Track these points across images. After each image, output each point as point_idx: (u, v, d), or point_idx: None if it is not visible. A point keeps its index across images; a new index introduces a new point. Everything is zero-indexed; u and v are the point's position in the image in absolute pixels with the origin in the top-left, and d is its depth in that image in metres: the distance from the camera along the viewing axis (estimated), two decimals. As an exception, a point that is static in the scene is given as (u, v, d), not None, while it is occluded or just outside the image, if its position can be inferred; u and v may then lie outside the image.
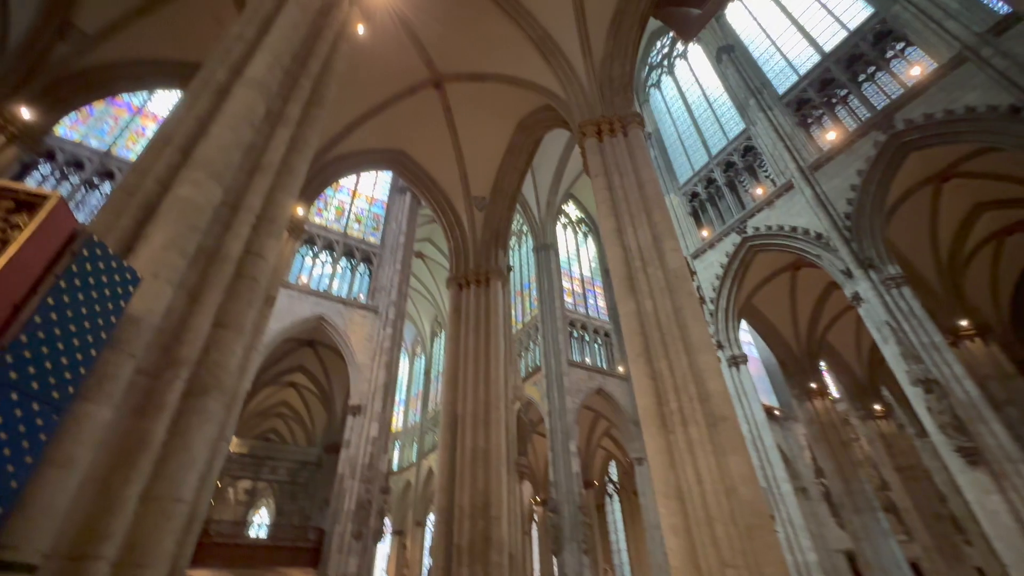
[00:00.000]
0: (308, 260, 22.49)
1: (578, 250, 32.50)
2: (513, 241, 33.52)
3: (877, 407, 20.85)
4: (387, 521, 29.85)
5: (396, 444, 35.86)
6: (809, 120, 16.92)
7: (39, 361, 2.11)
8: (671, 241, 6.91)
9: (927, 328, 12.41)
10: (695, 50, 23.64)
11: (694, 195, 20.77)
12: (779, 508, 14.22)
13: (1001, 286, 18.96)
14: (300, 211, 9.90)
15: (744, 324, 22.23)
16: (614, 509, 30.36)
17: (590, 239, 31.97)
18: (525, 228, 30.38)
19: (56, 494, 2.20)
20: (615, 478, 30.76)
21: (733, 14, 21.23)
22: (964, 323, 15.82)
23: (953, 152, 14.26)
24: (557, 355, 23.01)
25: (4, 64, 9.47)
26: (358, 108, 11.32)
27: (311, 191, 11.05)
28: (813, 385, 19.84)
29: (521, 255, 32.28)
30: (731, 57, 19.95)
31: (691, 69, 24.10)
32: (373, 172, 27.25)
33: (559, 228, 30.96)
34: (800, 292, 20.21)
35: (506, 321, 11.96)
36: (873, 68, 15.53)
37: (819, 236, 15.17)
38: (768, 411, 27.20)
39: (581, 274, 31.32)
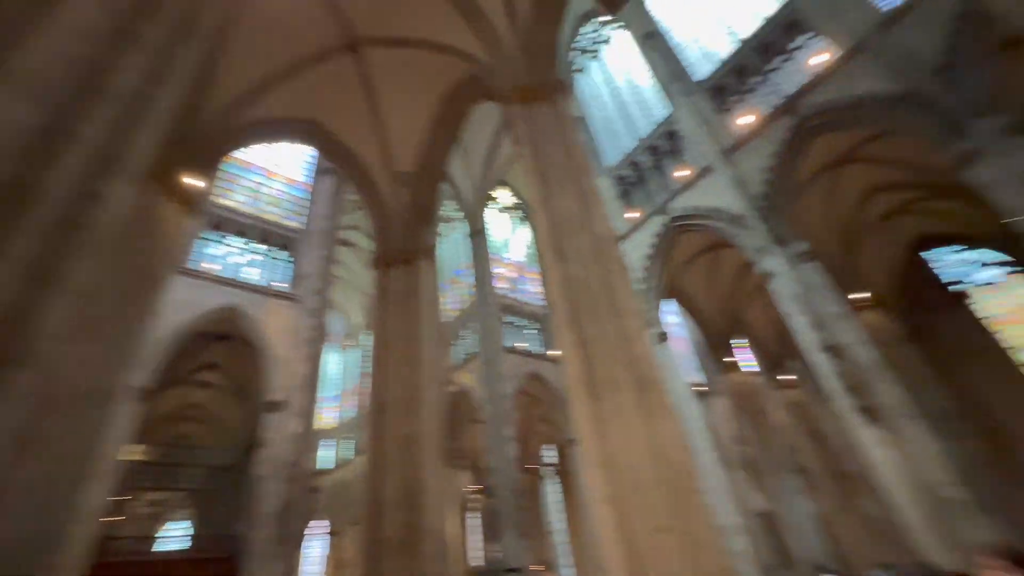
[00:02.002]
0: (219, 248, 20.53)
1: (511, 236, 32.36)
2: (447, 227, 32.71)
3: (787, 377, 22.51)
4: (321, 522, 28.40)
5: (332, 442, 34.17)
6: (727, 106, 17.62)
7: None
8: (599, 207, 6.72)
9: (830, 299, 13.35)
10: (621, 35, 23.96)
11: (621, 178, 21.14)
12: (704, 476, 14.86)
13: (890, 263, 21.00)
14: (195, 181, 8.72)
15: (675, 305, 23.11)
16: (551, 491, 30.78)
17: (525, 225, 31.87)
18: (460, 214, 29.71)
19: None
20: (552, 461, 31.16)
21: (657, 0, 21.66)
22: (862, 295, 17.27)
23: (853, 137, 15.36)
24: (492, 341, 22.74)
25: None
26: (263, 68, 10.19)
27: (210, 156, 9.82)
28: (732, 359, 21.00)
29: (455, 241, 31.60)
30: (655, 43, 20.36)
31: (617, 54, 24.44)
32: (293, 153, 25.39)
33: (494, 214, 30.61)
34: (720, 271, 21.27)
35: (434, 301, 11.43)
36: (784, 56, 16.38)
37: (736, 216, 15.87)
38: (693, 386, 28.65)
39: (516, 260, 31.22)
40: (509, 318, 26.44)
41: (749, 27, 17.76)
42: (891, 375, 12.21)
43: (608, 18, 24.83)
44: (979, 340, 19.26)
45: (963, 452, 14.30)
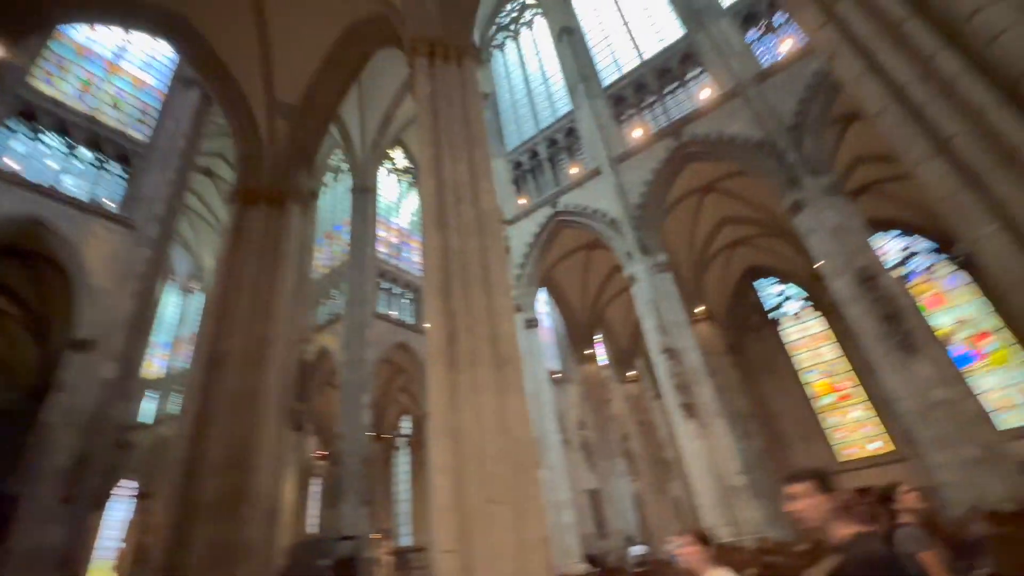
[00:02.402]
0: (28, 144, 16.55)
1: (400, 200, 31.08)
2: (329, 177, 30.28)
3: (631, 373, 25.08)
4: (131, 482, 24.90)
5: (157, 394, 29.93)
6: (623, 116, 18.76)
7: None
8: (487, 182, 6.65)
9: (676, 308, 15.09)
10: (541, 23, 24.11)
11: (518, 164, 21.44)
12: (547, 455, 15.97)
13: (725, 285, 24.37)
14: (-8, 47, 6.77)
15: (546, 295, 24.25)
16: (403, 462, 30.70)
17: (414, 192, 30.77)
18: (344, 165, 27.62)
19: None
20: (408, 432, 31.03)
21: (579, -3, 22.10)
22: (700, 309, 19.82)
23: (718, 169, 17.38)
24: (363, 304, 21.71)
25: None
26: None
27: (25, 16, 7.72)
28: (588, 352, 22.77)
29: (337, 194, 29.43)
30: (571, 39, 20.86)
31: (535, 41, 24.56)
32: (148, 53, 21.32)
33: (384, 174, 29.00)
34: (591, 270, 22.82)
35: (303, 251, 10.48)
36: (677, 83, 17.87)
37: (614, 221, 17.08)
38: (551, 373, 30.57)
39: (400, 225, 30.09)
40: (386, 284, 25.52)
41: (653, 49, 19.03)
42: (709, 379, 14.26)
43: (532, 1, 24.80)
44: (779, 359, 23.41)
45: (751, 448, 17.32)
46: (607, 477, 20.27)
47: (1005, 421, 16.07)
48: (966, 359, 17.83)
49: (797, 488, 1.98)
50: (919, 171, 3.88)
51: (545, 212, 19.25)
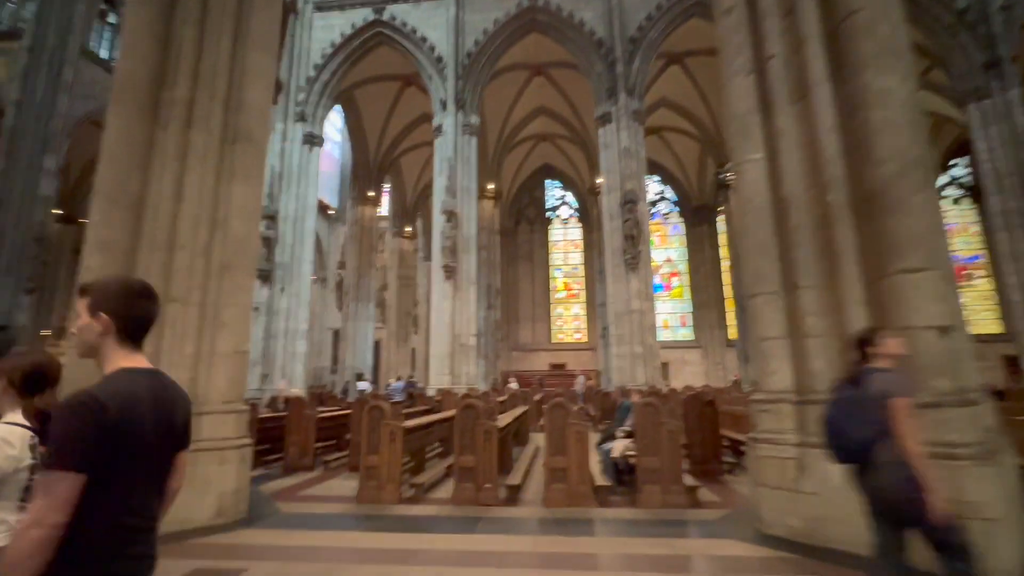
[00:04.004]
0: None
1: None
2: None
3: (408, 229, 24.81)
4: None
5: None
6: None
7: None
8: None
9: (471, 176, 14.85)
10: None
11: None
12: (294, 282, 14.78)
13: (520, 174, 25.40)
14: None
15: (342, 124, 21.05)
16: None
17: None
18: None
19: None
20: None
21: None
22: (491, 187, 20.19)
23: (554, 53, 16.77)
24: (65, 32, 15.06)
25: None
26: None
27: None
28: (371, 194, 21.27)
29: None
30: None
31: None
32: None
33: None
34: (400, 111, 20.54)
35: None
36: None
37: (440, 59, 15.23)
38: (324, 207, 27.98)
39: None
40: (116, 18, 18.08)
41: None
42: (477, 252, 14.93)
43: None
44: (538, 253, 26.31)
45: (490, 317, 19.44)
46: (353, 319, 20.32)
47: (660, 334, 21.76)
48: (659, 287, 22.96)
49: None
50: (732, 83, 3.98)
51: (364, 14, 15.86)
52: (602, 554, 3.10)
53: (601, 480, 4.41)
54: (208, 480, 3.74)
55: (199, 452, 3.74)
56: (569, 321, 25.83)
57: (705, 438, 5.31)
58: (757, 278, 3.71)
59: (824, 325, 3.34)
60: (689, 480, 4.31)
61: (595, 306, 22.90)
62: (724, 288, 23.75)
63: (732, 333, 22.22)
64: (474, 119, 15.25)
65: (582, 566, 2.89)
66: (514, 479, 4.64)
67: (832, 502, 3.08)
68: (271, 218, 14.76)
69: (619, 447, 4.80)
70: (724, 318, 23.60)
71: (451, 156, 14.65)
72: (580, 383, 16.67)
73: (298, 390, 12.03)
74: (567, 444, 4.24)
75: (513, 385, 16.59)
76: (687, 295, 24.82)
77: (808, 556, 2.95)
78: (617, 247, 13.97)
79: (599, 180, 18.63)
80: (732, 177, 3.60)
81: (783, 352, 3.52)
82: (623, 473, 4.90)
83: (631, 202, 13.92)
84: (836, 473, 3.12)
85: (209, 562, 2.96)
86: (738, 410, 7.24)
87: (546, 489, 4.27)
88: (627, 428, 5.08)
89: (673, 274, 25.13)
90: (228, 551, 3.17)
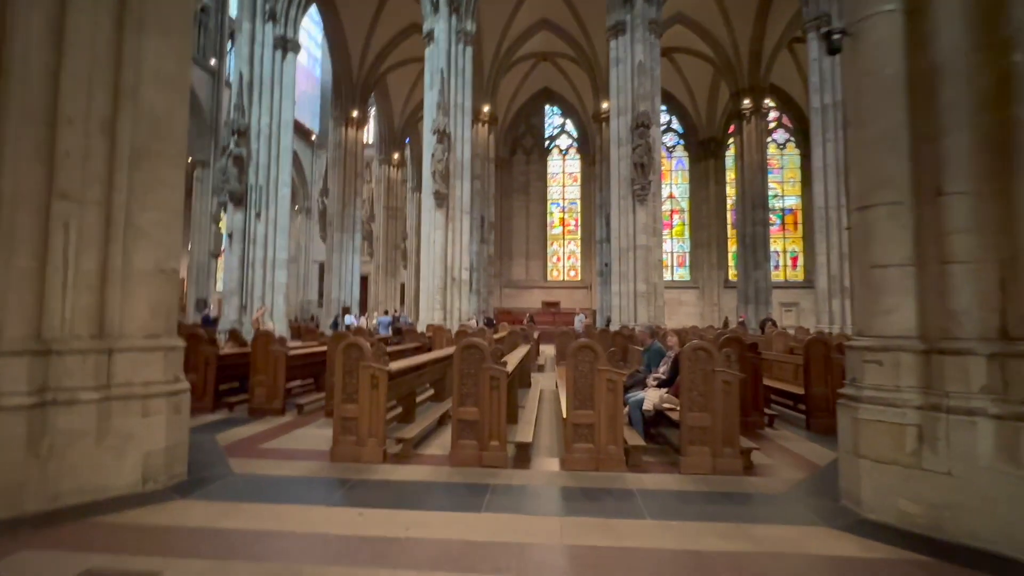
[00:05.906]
0: None
1: None
2: None
3: (396, 156, 23.06)
4: None
5: None
6: None
7: None
8: None
9: (465, 91, 13.20)
10: None
11: None
12: (270, 208, 13.46)
13: (518, 97, 23.44)
14: None
15: (320, 29, 18.67)
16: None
17: None
18: None
19: None
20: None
21: None
22: (487, 109, 18.40)
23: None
24: None
25: None
26: None
27: None
28: (355, 114, 19.37)
29: None
30: None
31: None
32: None
33: None
34: (385, 20, 18.22)
35: None
36: None
37: (434, -51, 13.06)
38: (306, 132, 25.84)
39: None
40: None
41: None
42: (471, 179, 13.59)
43: None
44: (535, 185, 24.85)
45: (483, 252, 18.35)
46: (339, 250, 19.09)
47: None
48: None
49: None
50: None
51: None
52: (661, 549, 2.28)
53: (633, 439, 3.60)
54: (127, 436, 2.82)
55: (112, 401, 2.79)
56: (561, 260, 24.89)
57: (746, 388, 4.52)
58: (876, 183, 2.70)
59: (979, 247, 2.38)
60: (745, 441, 3.52)
61: (592, 243, 21.88)
62: (727, 228, 22.80)
63: (732, 274, 21.51)
64: (470, 25, 13.37)
65: (637, 571, 2.07)
66: (524, 435, 3.82)
67: (973, 486, 2.28)
68: (242, 134, 13.17)
69: (652, 397, 3.98)
70: (725, 258, 22.81)
71: (443, 67, 12.92)
72: (579, 321, 15.99)
73: (272, 325, 11.09)
74: (595, 396, 3.38)
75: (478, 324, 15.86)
76: (686, 233, 23.86)
77: (943, 558, 2.16)
78: (625, 176, 12.74)
79: (604, 105, 17.01)
80: (840, 41, 2.56)
81: (906, 283, 2.58)
82: (650, 426, 4.14)
83: (643, 126, 12.52)
84: (986, 448, 2.34)
85: (109, 557, 2.09)
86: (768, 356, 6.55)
87: (566, 449, 3.47)
88: (660, 375, 4.25)
89: (674, 211, 24.00)
90: (142, 538, 2.30)
